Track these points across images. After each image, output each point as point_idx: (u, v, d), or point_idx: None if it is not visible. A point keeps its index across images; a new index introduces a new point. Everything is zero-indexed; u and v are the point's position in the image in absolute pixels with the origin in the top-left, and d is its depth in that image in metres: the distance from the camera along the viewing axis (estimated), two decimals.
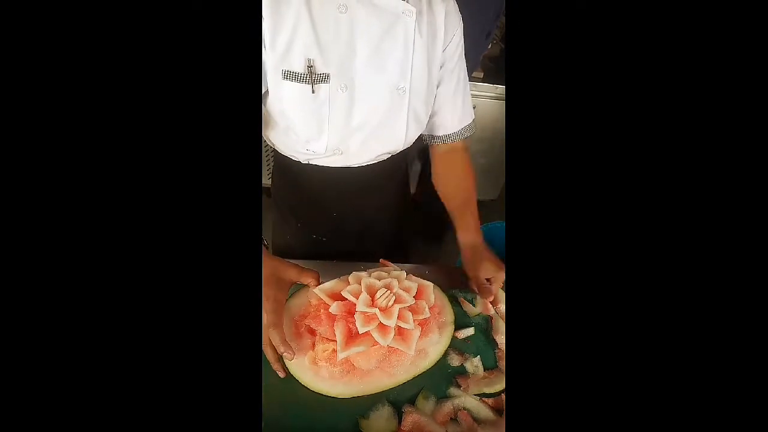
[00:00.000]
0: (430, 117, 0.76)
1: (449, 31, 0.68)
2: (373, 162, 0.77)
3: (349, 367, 0.54)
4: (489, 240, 1.23)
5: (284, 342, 0.51)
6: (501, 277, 0.70)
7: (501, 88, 1.93)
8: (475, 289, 0.70)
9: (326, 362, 0.54)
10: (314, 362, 0.54)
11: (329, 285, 0.58)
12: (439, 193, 0.84)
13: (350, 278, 0.59)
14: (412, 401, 0.53)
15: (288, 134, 0.71)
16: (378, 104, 0.67)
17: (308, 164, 0.75)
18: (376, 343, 0.53)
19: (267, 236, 0.97)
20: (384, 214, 0.89)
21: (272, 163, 0.89)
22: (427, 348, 0.57)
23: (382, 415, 0.51)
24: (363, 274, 0.60)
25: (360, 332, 0.52)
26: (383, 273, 0.60)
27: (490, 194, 2.31)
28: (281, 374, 0.54)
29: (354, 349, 0.52)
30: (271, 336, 0.51)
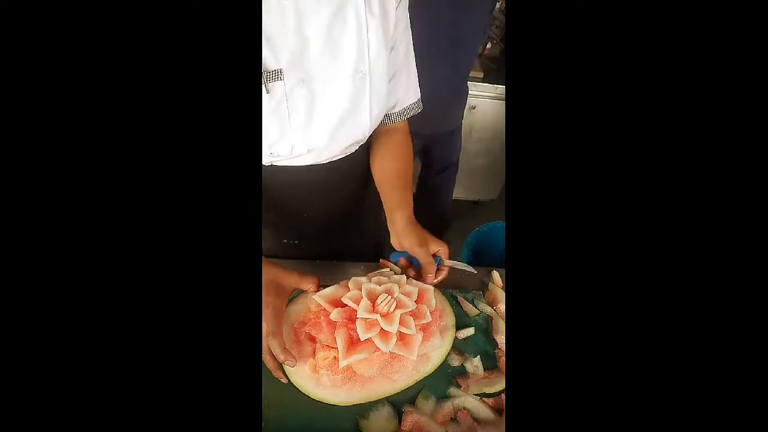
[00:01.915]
0: None
1: None
2: (341, 156, 0.72)
3: (350, 374, 0.53)
4: (489, 240, 1.23)
5: (284, 350, 0.50)
6: (446, 250, 0.66)
7: (501, 88, 1.94)
8: (424, 264, 0.65)
9: (327, 370, 0.53)
10: (315, 370, 0.53)
11: (329, 291, 0.57)
12: (373, 174, 0.77)
13: (350, 284, 0.58)
14: (412, 401, 0.53)
15: None
16: (339, 93, 0.62)
17: (270, 166, 0.69)
18: (377, 349, 0.52)
19: None
20: (358, 210, 0.84)
21: None
22: (429, 353, 0.56)
23: (382, 415, 0.51)
24: (363, 279, 0.59)
25: (362, 339, 0.52)
26: (383, 278, 0.60)
27: (490, 194, 2.32)
28: (284, 380, 0.53)
29: (356, 357, 0.52)
30: (270, 344, 0.50)
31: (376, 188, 0.79)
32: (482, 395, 0.55)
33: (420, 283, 0.61)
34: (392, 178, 0.73)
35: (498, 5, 1.91)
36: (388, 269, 0.72)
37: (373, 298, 0.56)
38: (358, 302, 0.55)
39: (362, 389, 0.52)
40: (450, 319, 0.61)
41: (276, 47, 0.56)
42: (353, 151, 0.73)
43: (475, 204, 2.36)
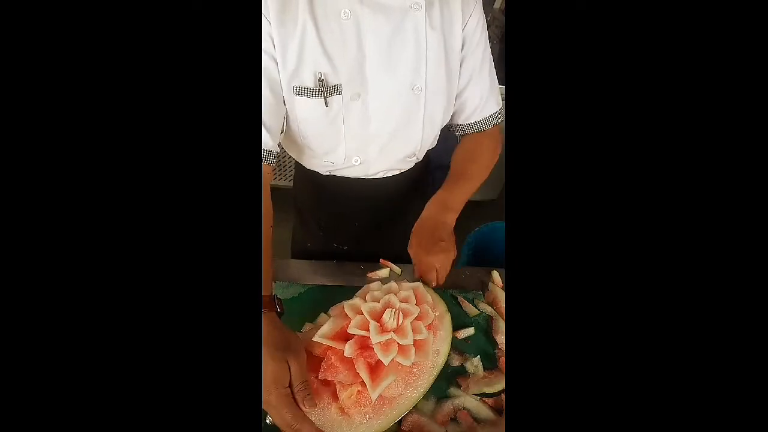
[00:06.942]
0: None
1: (466, 11, 0.64)
2: (394, 172, 0.75)
3: (380, 399, 0.51)
4: (489, 240, 1.23)
5: (303, 419, 0.46)
6: (437, 262, 0.62)
7: (501, 88, 1.93)
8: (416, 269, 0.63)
9: (356, 406, 0.50)
10: (343, 412, 0.50)
11: (328, 329, 0.54)
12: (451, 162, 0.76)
13: (347, 310, 0.55)
14: None
15: (305, 151, 0.70)
16: (393, 107, 0.64)
17: (330, 176, 0.74)
18: (400, 365, 0.51)
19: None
20: (405, 221, 0.84)
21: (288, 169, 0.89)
22: (438, 347, 0.56)
23: None
24: (357, 301, 0.57)
25: (385, 363, 0.50)
26: (375, 292, 0.58)
27: (490, 194, 2.31)
28: None
29: (385, 383, 0.50)
30: (301, 428, 0.45)
31: (424, 202, 0.76)
32: (482, 395, 0.55)
33: (410, 283, 0.60)
34: (457, 174, 0.72)
35: (498, 5, 1.90)
36: (387, 270, 0.72)
37: (377, 317, 0.54)
38: (366, 328, 0.52)
39: (392, 408, 0.51)
40: (442, 306, 0.61)
41: (336, 64, 0.58)
42: (408, 167, 0.76)
43: (475, 204, 2.36)
